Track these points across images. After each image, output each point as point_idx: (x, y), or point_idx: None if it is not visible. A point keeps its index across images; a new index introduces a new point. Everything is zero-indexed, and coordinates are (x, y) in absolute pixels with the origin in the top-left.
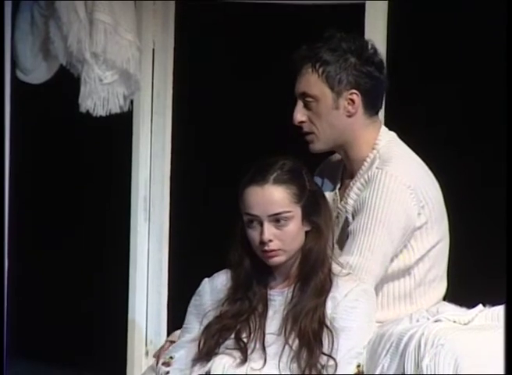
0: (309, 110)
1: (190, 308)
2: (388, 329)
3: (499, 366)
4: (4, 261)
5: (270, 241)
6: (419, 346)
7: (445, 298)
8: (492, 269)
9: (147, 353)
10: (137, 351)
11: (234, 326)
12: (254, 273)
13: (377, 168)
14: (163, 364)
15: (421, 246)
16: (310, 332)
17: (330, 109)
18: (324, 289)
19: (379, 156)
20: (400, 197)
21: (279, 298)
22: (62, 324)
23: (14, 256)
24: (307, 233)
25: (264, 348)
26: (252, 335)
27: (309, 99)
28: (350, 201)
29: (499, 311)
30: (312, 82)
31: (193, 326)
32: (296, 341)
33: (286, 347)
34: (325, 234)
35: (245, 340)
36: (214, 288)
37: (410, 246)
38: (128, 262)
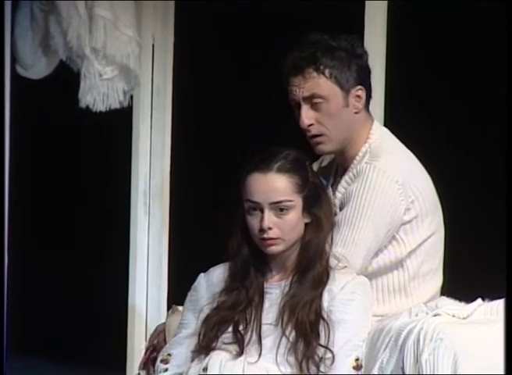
0: (317, 112)
1: (187, 304)
2: (387, 323)
3: (498, 360)
4: (4, 256)
5: (269, 228)
6: (418, 340)
7: (443, 293)
8: (490, 263)
9: None
10: (137, 346)
11: (232, 318)
12: (251, 263)
13: (366, 163)
14: (161, 361)
15: (412, 239)
16: (307, 323)
17: (341, 108)
18: (321, 281)
19: (370, 151)
20: (387, 192)
21: (275, 291)
22: (62, 319)
23: (14, 252)
24: (306, 225)
25: (260, 341)
26: (248, 326)
27: (318, 100)
28: (338, 195)
29: (498, 305)
30: (321, 84)
31: (190, 321)
32: (293, 333)
33: (283, 339)
34: (325, 228)
35: (242, 332)
36: (210, 283)
37: (401, 239)
38: (128, 256)
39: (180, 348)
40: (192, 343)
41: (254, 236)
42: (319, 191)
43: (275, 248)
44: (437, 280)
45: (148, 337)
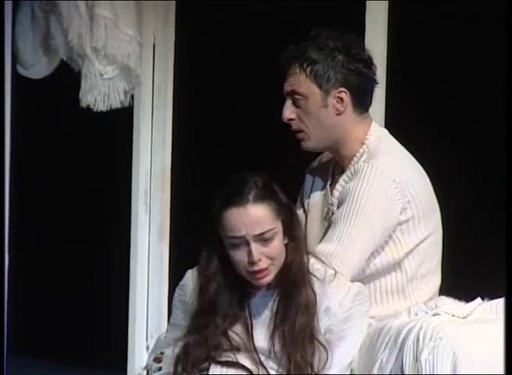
0: (298, 108)
1: (176, 303)
2: (386, 323)
3: (498, 359)
4: (4, 255)
5: (259, 260)
6: (417, 340)
7: (443, 292)
8: (490, 263)
9: (147, 347)
10: (138, 346)
11: (205, 355)
12: (223, 294)
13: (364, 161)
14: (154, 360)
15: (408, 240)
16: (301, 359)
17: (319, 107)
18: (309, 305)
19: (368, 151)
20: (383, 190)
21: (259, 300)
22: (62, 318)
23: (14, 250)
24: (286, 246)
25: (259, 359)
26: (241, 342)
27: (298, 97)
28: (335, 193)
29: (498, 304)
30: (301, 81)
31: (181, 321)
32: (288, 364)
33: (282, 369)
34: (302, 246)
35: (232, 352)
36: (197, 281)
37: (398, 240)
38: (128, 255)
39: (173, 348)
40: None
41: (242, 269)
42: (291, 210)
43: (266, 279)
44: (435, 281)
45: (149, 336)
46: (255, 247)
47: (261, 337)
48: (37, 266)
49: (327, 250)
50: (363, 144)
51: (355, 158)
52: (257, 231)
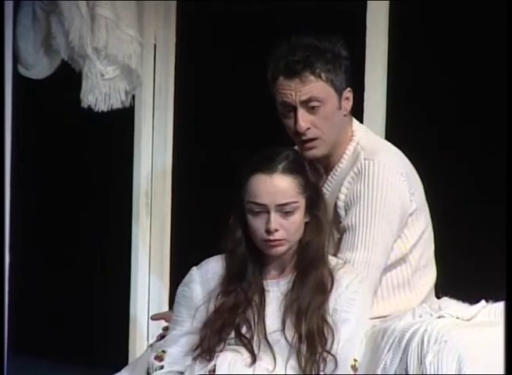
0: (313, 115)
1: (179, 299)
2: (391, 324)
3: (502, 362)
4: (5, 255)
5: (276, 230)
6: (422, 342)
7: (444, 293)
8: (490, 263)
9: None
10: (139, 346)
11: (233, 321)
12: (248, 261)
13: (365, 159)
14: (155, 358)
15: (413, 233)
16: (315, 332)
17: (336, 110)
18: (325, 286)
19: (362, 148)
20: (395, 185)
21: (273, 289)
22: (63, 319)
23: (15, 250)
24: (306, 225)
25: (269, 344)
26: (253, 328)
27: (315, 103)
28: (341, 196)
29: (502, 307)
30: (319, 87)
31: (185, 319)
32: (302, 343)
33: (292, 349)
34: (325, 228)
35: (247, 335)
36: (204, 278)
37: (404, 235)
38: (129, 256)
39: (175, 346)
40: (187, 341)
41: (257, 237)
42: (318, 191)
43: (280, 249)
44: (433, 271)
45: (149, 336)
46: (275, 216)
47: (272, 318)
48: (38, 266)
49: (355, 258)
50: (351, 140)
51: (345, 156)
52: (279, 201)
